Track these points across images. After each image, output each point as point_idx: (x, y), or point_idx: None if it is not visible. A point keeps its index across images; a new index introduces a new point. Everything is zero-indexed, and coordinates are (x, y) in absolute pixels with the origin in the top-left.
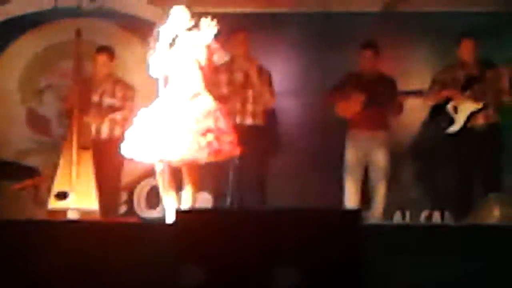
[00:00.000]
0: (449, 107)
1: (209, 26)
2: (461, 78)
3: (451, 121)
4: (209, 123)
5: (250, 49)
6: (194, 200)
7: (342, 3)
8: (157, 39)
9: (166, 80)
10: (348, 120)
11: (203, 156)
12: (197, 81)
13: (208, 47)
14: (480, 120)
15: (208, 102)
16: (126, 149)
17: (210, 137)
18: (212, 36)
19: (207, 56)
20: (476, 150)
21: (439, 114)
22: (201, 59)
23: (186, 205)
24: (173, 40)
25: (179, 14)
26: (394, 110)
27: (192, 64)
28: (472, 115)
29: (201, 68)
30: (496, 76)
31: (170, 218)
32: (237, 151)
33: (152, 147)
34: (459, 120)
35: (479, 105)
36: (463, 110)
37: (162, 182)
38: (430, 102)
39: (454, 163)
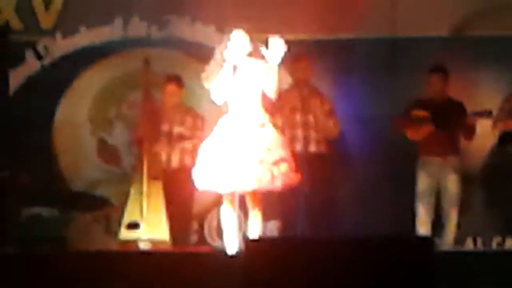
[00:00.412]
0: None
1: (278, 45)
2: None
3: None
4: (281, 153)
5: (313, 75)
6: (262, 227)
7: (408, 29)
8: (216, 63)
9: (227, 107)
10: (418, 146)
11: (277, 186)
12: (261, 110)
13: (278, 68)
14: None
15: (274, 131)
16: (198, 180)
17: (284, 167)
18: (282, 55)
19: (276, 78)
20: None
21: (507, 142)
22: (268, 83)
23: (254, 233)
24: (235, 66)
25: (239, 39)
26: (466, 133)
27: (255, 91)
28: None
29: (264, 96)
30: None
31: (232, 250)
32: (300, 179)
33: (224, 177)
34: None
35: None
36: None
37: (227, 213)
38: (498, 131)
39: None
